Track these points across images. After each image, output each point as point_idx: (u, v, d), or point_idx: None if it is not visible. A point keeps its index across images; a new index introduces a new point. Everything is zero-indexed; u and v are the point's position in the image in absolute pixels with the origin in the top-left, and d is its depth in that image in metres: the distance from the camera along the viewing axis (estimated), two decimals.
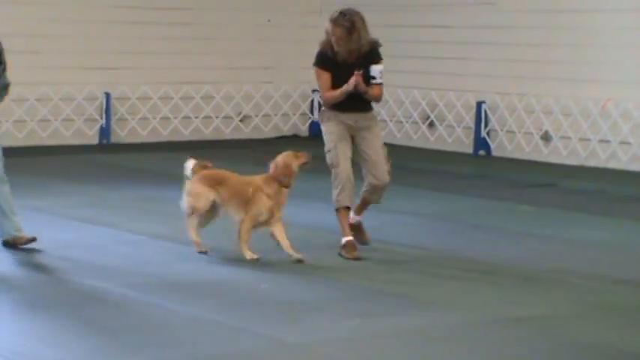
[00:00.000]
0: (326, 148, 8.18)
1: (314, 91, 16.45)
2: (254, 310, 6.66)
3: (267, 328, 6.22)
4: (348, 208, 8.20)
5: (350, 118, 8.20)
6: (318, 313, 6.56)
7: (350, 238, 8.12)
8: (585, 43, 13.93)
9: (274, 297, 6.98)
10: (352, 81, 8.01)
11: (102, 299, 6.85)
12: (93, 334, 6.07)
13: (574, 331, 6.35)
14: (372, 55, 8.15)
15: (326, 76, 8.13)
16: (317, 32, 16.26)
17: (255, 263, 7.87)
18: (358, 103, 8.18)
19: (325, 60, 8.15)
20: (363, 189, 8.30)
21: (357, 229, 8.39)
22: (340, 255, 8.03)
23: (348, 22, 8.00)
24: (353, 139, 8.24)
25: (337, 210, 8.18)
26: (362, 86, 8.02)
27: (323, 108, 8.37)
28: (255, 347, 5.90)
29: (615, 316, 6.76)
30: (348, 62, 8.09)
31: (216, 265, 7.89)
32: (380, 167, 8.19)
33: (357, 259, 7.97)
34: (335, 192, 8.15)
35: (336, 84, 8.13)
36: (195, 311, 6.56)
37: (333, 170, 8.15)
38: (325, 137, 8.22)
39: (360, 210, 8.41)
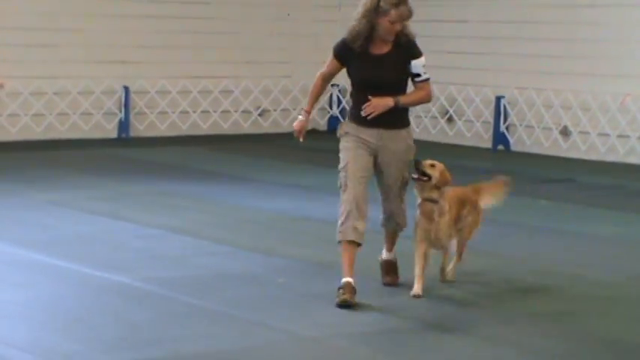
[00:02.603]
0: (340, 164, 6.78)
1: (333, 85, 16.45)
2: (270, 304, 6.67)
3: (283, 322, 6.24)
4: (353, 244, 6.62)
5: (373, 135, 6.72)
6: (334, 307, 6.57)
7: (349, 279, 6.58)
8: (604, 38, 13.88)
9: (290, 291, 6.99)
10: (367, 109, 6.69)
11: (119, 292, 6.88)
12: (111, 328, 6.10)
13: (590, 326, 6.34)
14: (411, 48, 6.75)
15: (332, 65, 6.87)
16: (335, 26, 16.32)
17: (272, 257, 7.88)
18: (386, 114, 6.67)
19: (344, 51, 6.79)
20: (381, 220, 7.02)
21: (388, 267, 7.08)
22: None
23: (409, 7, 6.75)
24: (375, 159, 6.78)
25: (339, 242, 6.67)
26: (380, 107, 6.67)
27: (342, 121, 7.14)
28: (270, 341, 5.92)
29: (631, 310, 6.75)
30: (376, 54, 6.71)
31: (233, 259, 7.91)
32: (399, 211, 6.93)
33: (345, 304, 6.46)
34: (339, 221, 6.64)
35: (358, 75, 6.78)
36: (211, 305, 6.59)
37: (341, 192, 6.71)
38: (340, 154, 6.80)
39: (389, 244, 7.08)
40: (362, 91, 6.73)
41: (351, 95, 6.90)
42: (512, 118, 14.80)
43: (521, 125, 14.72)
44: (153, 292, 6.88)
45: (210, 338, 5.93)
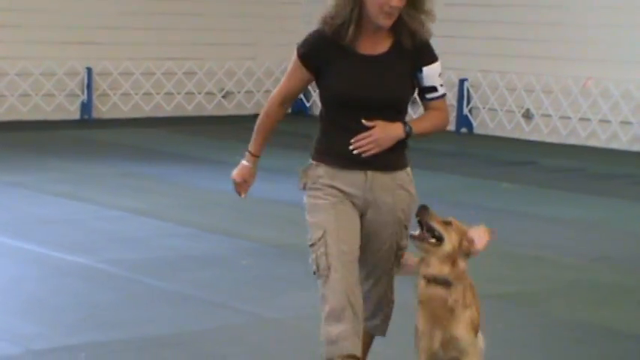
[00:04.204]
0: (308, 238, 4.38)
1: None
2: (233, 286, 6.68)
3: (247, 304, 6.25)
4: (352, 358, 4.28)
5: (358, 182, 4.34)
6: (297, 289, 6.59)
7: None
8: (567, 22, 13.96)
9: (254, 273, 7.00)
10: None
11: (82, 275, 6.86)
12: (73, 310, 6.08)
13: (549, 308, 6.40)
14: (421, 48, 4.33)
15: (296, 77, 4.42)
16: (300, 9, 16.31)
17: (237, 240, 7.89)
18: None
19: (319, 49, 4.35)
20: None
21: None
22: None
23: None
24: (361, 219, 4.39)
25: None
26: (387, 141, 4.35)
27: (306, 164, 4.47)
28: (233, 323, 5.93)
29: (591, 292, 6.82)
30: (367, 54, 4.32)
31: (197, 241, 7.91)
32: (385, 303, 4.54)
33: None
34: (325, 327, 4.31)
35: (339, 88, 4.31)
36: (175, 287, 6.58)
37: (319, 282, 4.34)
38: (307, 217, 4.38)
39: (364, 350, 4.56)
40: (343, 113, 4.33)
41: (322, 119, 4.43)
42: (476, 101, 14.86)
43: (484, 108, 14.79)
44: (116, 274, 6.87)
45: (173, 320, 5.93)
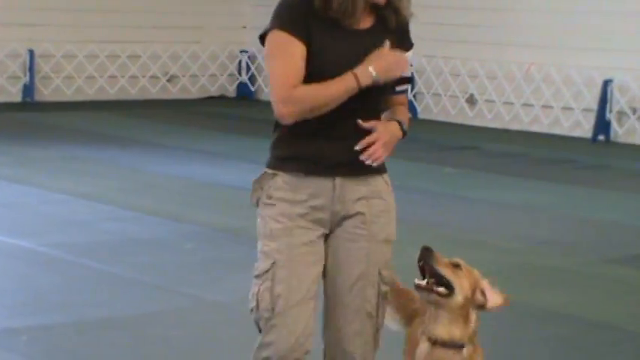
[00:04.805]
0: (254, 267, 3.64)
1: (242, 51, 16.37)
2: (177, 269, 6.66)
3: (191, 288, 6.24)
4: None
5: (323, 189, 3.55)
6: (241, 272, 6.57)
7: None
8: (510, 8, 14.07)
9: (198, 256, 6.99)
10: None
11: (24, 258, 6.80)
12: (15, 293, 6.03)
13: None
14: (404, 34, 3.65)
15: (296, 50, 3.46)
16: None
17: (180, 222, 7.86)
18: (347, 147, 3.52)
19: (297, 16, 3.48)
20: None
21: None
22: None
23: None
24: (326, 241, 3.60)
25: None
26: (392, 143, 3.55)
27: (260, 174, 3.62)
28: (177, 307, 5.92)
29: (534, 275, 6.90)
30: (353, 27, 3.54)
31: (140, 224, 7.87)
32: (353, 341, 3.58)
33: None
34: None
35: (325, 64, 3.48)
36: (118, 270, 6.55)
37: (260, 324, 3.62)
38: (258, 242, 3.64)
39: None
40: None
41: None
42: (420, 86, 14.93)
43: (428, 93, 14.86)
44: (58, 257, 6.81)
45: (117, 303, 5.90)
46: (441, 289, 3.44)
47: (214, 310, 5.89)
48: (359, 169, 3.53)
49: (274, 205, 3.54)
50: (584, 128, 13.39)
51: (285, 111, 3.45)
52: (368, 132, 3.49)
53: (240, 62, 16.46)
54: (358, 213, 3.56)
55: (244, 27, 16.56)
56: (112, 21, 15.60)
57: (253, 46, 16.31)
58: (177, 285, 6.27)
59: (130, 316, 5.70)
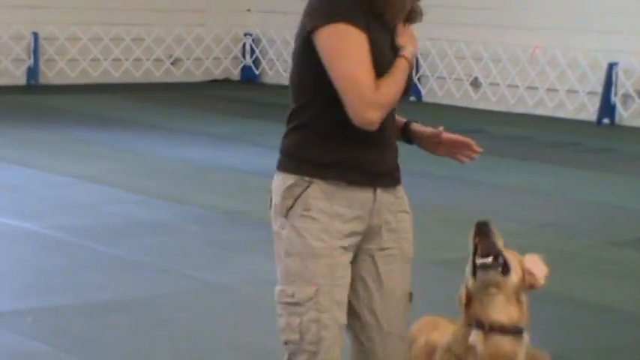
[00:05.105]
0: (282, 290, 3.23)
1: (246, 34, 16.35)
2: (182, 252, 6.68)
3: (196, 270, 6.25)
4: None
5: (364, 201, 3.26)
6: (246, 255, 6.60)
7: None
8: None
9: (203, 239, 7.00)
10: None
11: (29, 240, 6.81)
12: (20, 275, 6.05)
13: None
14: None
15: (366, 46, 3.18)
16: None
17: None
18: (386, 145, 3.34)
19: (354, 7, 3.18)
20: None
21: None
22: None
23: None
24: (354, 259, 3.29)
25: None
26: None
27: (289, 179, 3.24)
28: (183, 289, 5.93)
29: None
30: (390, 23, 3.28)
31: (146, 207, 7.88)
32: (392, 344, 3.30)
33: None
34: None
35: (376, 58, 3.23)
36: (123, 253, 6.56)
37: (297, 357, 3.21)
38: (287, 258, 3.21)
39: None
40: None
41: (319, 116, 3.24)
42: (424, 69, 14.91)
43: (432, 76, 14.84)
44: (64, 240, 6.83)
45: (123, 286, 5.92)
46: (499, 265, 3.19)
47: (219, 293, 5.91)
48: (395, 180, 3.33)
49: (315, 219, 3.16)
50: (589, 111, 13.37)
51: (376, 116, 3.12)
52: (393, 138, 3.32)
53: (244, 45, 16.44)
54: (392, 228, 3.30)
55: (249, 10, 16.54)
56: (116, 3, 15.58)
57: (257, 28, 16.30)
58: (182, 267, 6.29)
59: (134, 298, 5.72)
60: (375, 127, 3.14)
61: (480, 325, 3.10)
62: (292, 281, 3.17)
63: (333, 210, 3.18)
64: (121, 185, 8.53)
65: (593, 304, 5.95)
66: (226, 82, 16.15)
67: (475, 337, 3.10)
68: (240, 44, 16.45)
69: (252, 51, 16.30)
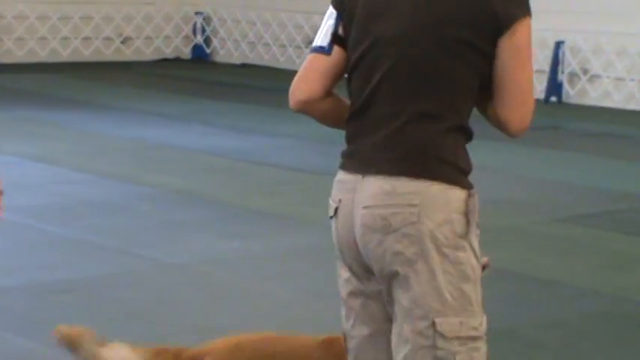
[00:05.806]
0: (471, 325, 2.85)
1: (197, 13, 16.27)
2: (133, 231, 6.66)
3: (147, 250, 6.24)
4: None
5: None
6: (198, 233, 6.60)
7: None
8: None
9: (154, 218, 6.99)
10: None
11: None
12: None
13: None
14: None
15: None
16: None
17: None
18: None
19: None
20: None
21: None
22: None
23: None
24: None
25: None
26: None
27: (461, 195, 2.97)
28: (135, 268, 5.92)
29: (484, 234, 6.93)
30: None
31: (94, 187, 7.84)
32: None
33: None
34: None
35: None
36: (71, 233, 6.53)
37: None
38: (471, 284, 2.94)
39: None
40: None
41: (464, 120, 2.96)
42: None
43: None
44: (9, 219, 6.76)
45: (72, 266, 5.90)
46: None
47: (171, 272, 5.91)
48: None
49: (478, 236, 2.89)
50: (537, 89, 13.48)
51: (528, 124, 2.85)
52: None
53: (195, 24, 16.36)
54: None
55: None
56: None
57: (208, 7, 16.22)
58: (132, 247, 6.27)
59: (84, 278, 5.70)
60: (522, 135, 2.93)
61: None
62: (473, 312, 2.81)
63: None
64: (70, 165, 8.48)
65: (541, 279, 6.02)
66: (177, 61, 16.07)
67: None
68: (191, 23, 16.36)
69: (203, 30, 16.23)
